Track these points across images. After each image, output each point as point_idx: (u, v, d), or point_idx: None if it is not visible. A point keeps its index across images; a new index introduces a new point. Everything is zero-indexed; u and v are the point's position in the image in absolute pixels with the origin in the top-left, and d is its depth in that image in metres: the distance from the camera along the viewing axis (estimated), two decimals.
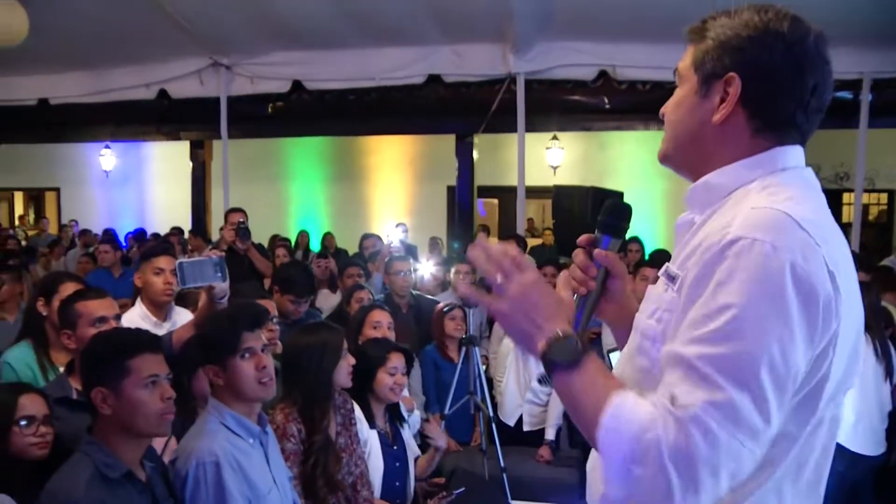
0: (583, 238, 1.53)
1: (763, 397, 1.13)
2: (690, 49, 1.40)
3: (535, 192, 8.35)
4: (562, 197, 8.22)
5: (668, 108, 1.45)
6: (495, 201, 12.21)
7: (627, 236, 7.99)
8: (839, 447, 4.08)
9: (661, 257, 6.82)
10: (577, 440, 4.93)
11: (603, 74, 7.92)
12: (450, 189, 11.06)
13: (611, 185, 9.25)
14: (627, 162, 11.00)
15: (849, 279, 1.25)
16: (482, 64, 7.85)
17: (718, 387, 1.12)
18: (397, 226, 10.28)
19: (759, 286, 1.15)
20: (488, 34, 7.51)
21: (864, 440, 4.15)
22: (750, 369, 1.13)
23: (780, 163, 1.33)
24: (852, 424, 4.10)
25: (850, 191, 10.87)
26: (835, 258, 1.21)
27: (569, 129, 9.66)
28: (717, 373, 1.13)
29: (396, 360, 3.57)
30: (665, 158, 1.47)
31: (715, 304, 1.17)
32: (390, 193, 12.10)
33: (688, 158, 1.42)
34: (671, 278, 1.32)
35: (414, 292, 5.66)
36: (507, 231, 12.02)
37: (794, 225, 1.19)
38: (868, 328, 4.14)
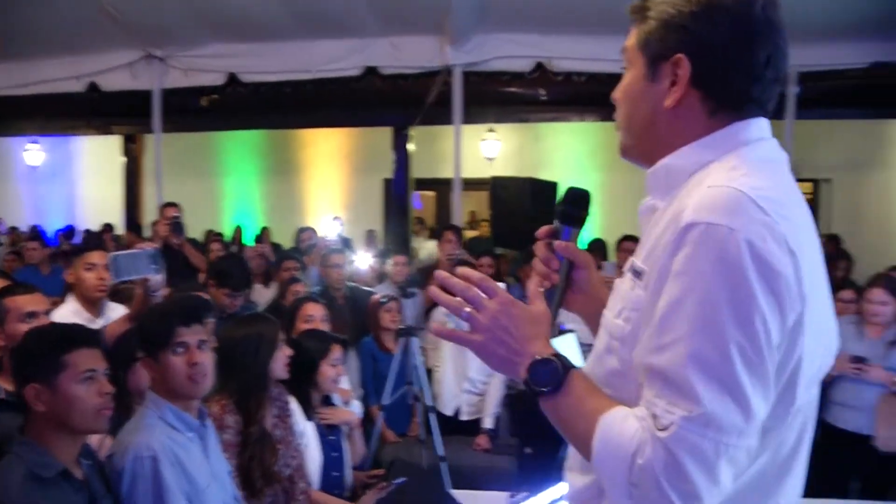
0: (542, 230, 1.49)
1: (742, 393, 1.09)
2: (634, 27, 1.33)
3: (471, 185, 8.39)
4: (499, 188, 8.30)
5: (618, 94, 1.38)
6: (432, 194, 12.22)
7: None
8: None
9: (597, 247, 6.94)
10: (516, 429, 5.00)
11: (539, 66, 7.98)
12: (386, 182, 11.04)
13: (546, 176, 9.31)
14: (562, 153, 11.12)
15: (813, 256, 1.21)
16: (419, 56, 7.85)
17: (694, 397, 1.09)
18: (334, 219, 10.25)
19: (719, 275, 1.10)
20: (426, 26, 7.51)
21: None
22: (723, 368, 1.09)
23: (742, 137, 1.26)
24: None
25: None
26: (797, 235, 1.15)
27: (505, 121, 9.73)
28: (689, 380, 1.10)
29: (337, 352, 3.59)
30: (625, 153, 1.41)
31: (676, 301, 1.13)
32: (326, 187, 12.03)
33: (647, 148, 1.34)
34: (637, 274, 1.25)
35: (350, 284, 5.66)
36: (443, 224, 12.06)
37: (751, 203, 1.12)
38: None
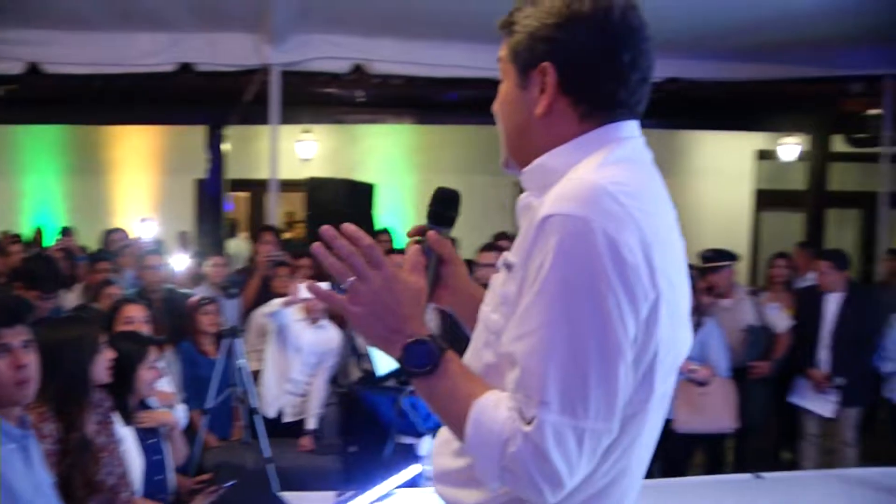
0: (413, 229, 1.52)
1: (596, 380, 1.14)
2: (504, 42, 1.39)
3: (287, 186, 8.30)
4: (316, 189, 8.29)
5: (496, 106, 1.44)
6: (246, 195, 11.99)
7: (377, 227, 8.15)
8: None
9: None
10: (341, 428, 5.04)
11: (358, 68, 8.03)
12: (198, 182, 10.74)
13: (362, 178, 9.39)
14: (378, 155, 11.21)
15: (672, 249, 1.26)
16: (237, 54, 7.66)
17: (547, 387, 1.14)
18: (142, 220, 9.86)
19: (573, 266, 1.14)
20: (244, 23, 7.36)
21: None
22: (581, 355, 1.14)
23: (610, 137, 1.32)
24: None
25: None
26: (654, 228, 1.20)
27: (323, 122, 9.71)
28: (544, 370, 1.14)
29: (155, 355, 3.51)
30: (506, 164, 1.45)
31: (534, 291, 1.17)
32: (134, 187, 11.51)
33: (524, 156, 1.37)
34: (508, 267, 1.30)
35: (168, 286, 5.49)
36: (256, 226, 11.87)
37: (607, 195, 1.17)
38: None
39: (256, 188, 11.45)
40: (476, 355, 1.38)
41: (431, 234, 1.49)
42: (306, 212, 8.37)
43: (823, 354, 5.50)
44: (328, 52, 7.89)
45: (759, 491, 4.68)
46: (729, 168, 11.88)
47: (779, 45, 7.89)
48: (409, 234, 1.52)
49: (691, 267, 6.11)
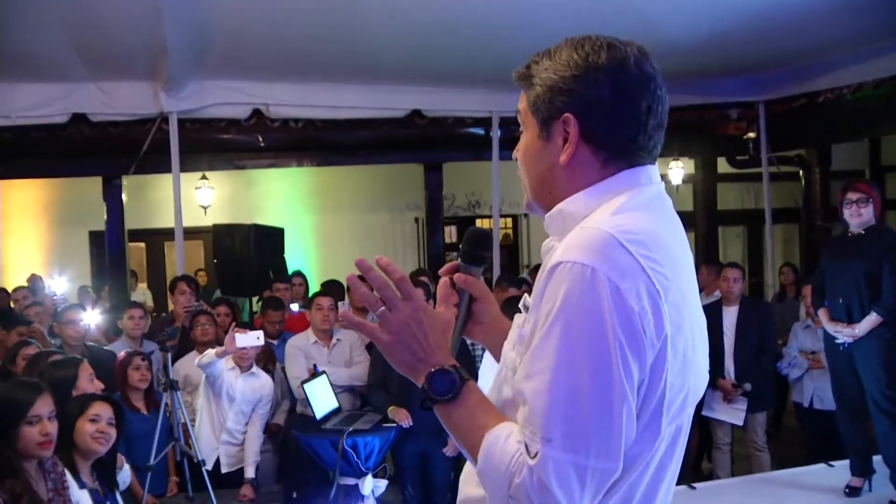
0: (445, 268, 1.57)
1: (601, 417, 1.19)
2: (523, 92, 1.45)
3: (187, 233, 8.17)
4: (222, 235, 8.18)
5: (518, 153, 1.48)
6: (142, 245, 11.70)
7: (290, 270, 8.10)
8: None
9: (334, 288, 7.03)
10: (282, 475, 4.97)
11: (257, 113, 8.00)
12: (92, 234, 10.42)
13: (261, 221, 9.33)
14: (276, 198, 11.16)
15: (683, 295, 1.30)
16: (132, 102, 7.52)
17: (556, 423, 1.19)
18: (30, 277, 9.49)
19: (579, 313, 1.19)
20: (138, 72, 7.24)
21: None
22: (584, 397, 1.19)
23: (629, 182, 1.36)
24: None
25: (482, 217, 12.02)
26: (665, 275, 1.25)
27: (223, 168, 9.58)
28: (551, 409, 1.19)
29: (99, 408, 3.40)
30: (529, 207, 1.49)
31: (544, 335, 1.22)
32: (23, 243, 11.06)
33: (549, 202, 1.42)
34: (526, 309, 1.36)
35: (88, 343, 5.31)
36: (156, 276, 11.57)
37: (617, 244, 1.22)
38: None
39: (152, 237, 11.22)
40: (496, 389, 1.44)
41: (459, 276, 1.55)
42: (214, 258, 8.23)
43: (728, 364, 5.81)
44: (226, 98, 7.85)
45: (694, 500, 4.89)
46: None
47: (663, 76, 8.29)
48: (442, 273, 1.57)
49: None
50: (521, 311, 1.44)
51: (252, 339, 4.70)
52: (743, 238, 12.88)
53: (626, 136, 1.36)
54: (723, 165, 10.94)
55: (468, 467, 1.47)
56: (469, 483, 1.46)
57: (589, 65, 1.36)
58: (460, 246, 1.58)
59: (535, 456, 1.19)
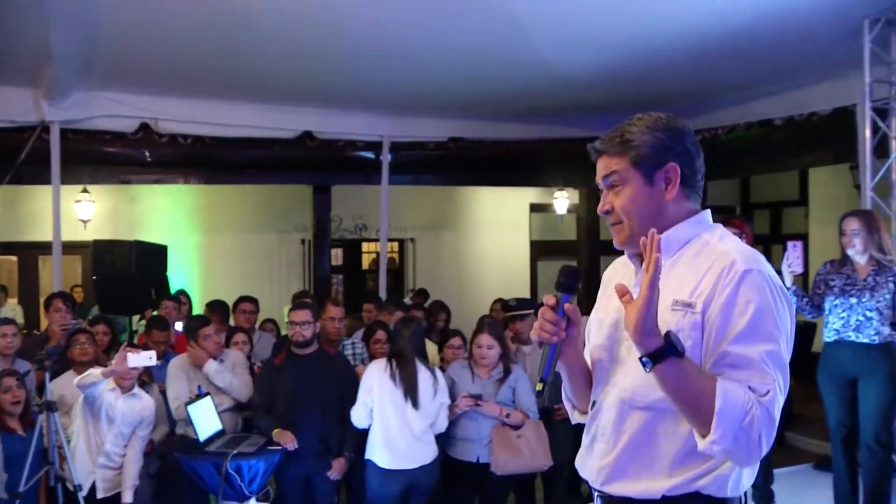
0: (550, 298, 1.91)
1: (787, 371, 1.74)
2: (617, 157, 1.92)
3: (64, 248, 7.88)
4: (102, 252, 7.90)
5: (620, 205, 1.93)
6: (14, 258, 11.19)
7: (174, 290, 7.92)
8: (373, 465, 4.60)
9: (220, 309, 6.92)
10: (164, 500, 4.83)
11: (144, 126, 7.83)
12: None
13: (144, 238, 9.07)
14: (160, 215, 10.87)
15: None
16: (10, 109, 7.26)
17: (773, 375, 1.69)
18: None
19: (768, 298, 1.74)
20: (18, 77, 6.98)
21: (395, 457, 4.75)
22: (783, 357, 1.73)
23: (709, 220, 1.97)
24: (381, 445, 4.75)
25: (368, 240, 12.04)
26: None
27: (106, 182, 9.30)
28: (770, 365, 1.70)
29: None
30: (630, 241, 1.94)
31: (752, 314, 1.72)
32: None
33: (652, 229, 1.79)
34: (687, 305, 1.80)
35: None
36: (28, 291, 11.08)
37: (762, 256, 1.84)
38: (400, 357, 4.80)
39: (25, 250, 10.76)
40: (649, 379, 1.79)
41: (569, 306, 1.91)
42: (93, 275, 7.95)
43: None
44: (113, 111, 7.70)
45: None
46: (508, 220, 12.59)
47: (550, 108, 8.59)
48: (548, 304, 1.91)
49: (491, 316, 6.47)
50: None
51: (144, 359, 4.57)
52: None
53: (698, 179, 1.97)
54: None
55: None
56: (654, 477, 1.86)
57: (676, 127, 1.94)
58: (559, 279, 1.94)
59: (767, 394, 1.67)
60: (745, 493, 1.91)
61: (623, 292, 1.75)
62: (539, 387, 1.93)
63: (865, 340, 4.66)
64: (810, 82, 7.29)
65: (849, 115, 6.68)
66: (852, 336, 4.69)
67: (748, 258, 1.79)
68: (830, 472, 4.92)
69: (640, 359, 1.70)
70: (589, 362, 2.06)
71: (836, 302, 4.72)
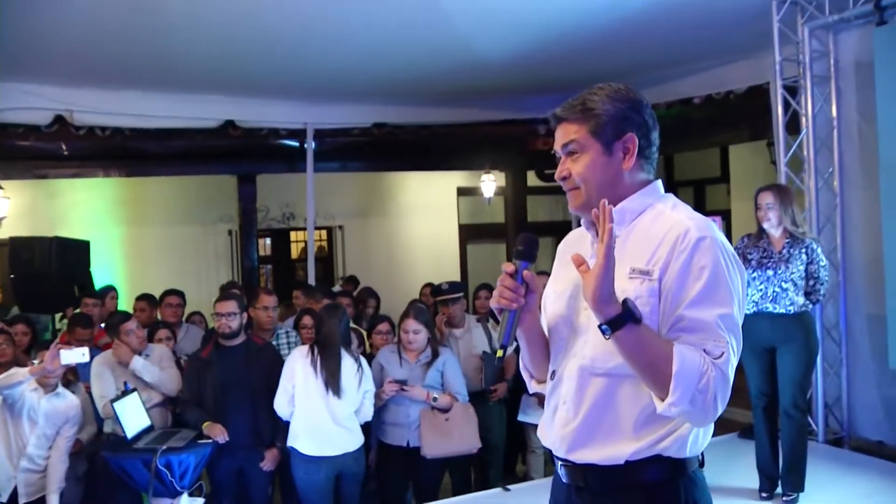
0: (510, 266, 1.94)
1: (740, 332, 1.81)
2: (577, 124, 1.96)
3: None
4: (20, 249, 7.72)
5: (578, 171, 1.96)
6: None
7: (98, 286, 7.76)
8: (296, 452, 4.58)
9: (148, 301, 6.80)
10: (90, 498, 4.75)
11: (59, 119, 7.63)
12: None
13: (65, 233, 8.86)
14: (81, 210, 10.59)
15: None
16: None
17: (727, 338, 1.76)
18: None
19: (721, 264, 1.81)
20: None
21: (317, 444, 4.75)
22: (736, 320, 1.80)
23: (661, 190, 2.02)
24: (303, 432, 4.76)
25: (297, 229, 11.95)
26: None
27: (21, 178, 9.01)
28: (724, 329, 1.77)
29: None
30: (585, 206, 1.97)
31: (706, 279, 1.79)
32: None
33: (613, 200, 1.88)
34: (645, 273, 1.86)
35: None
36: None
37: (714, 223, 1.89)
38: (322, 345, 4.79)
39: None
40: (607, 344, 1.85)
41: (528, 273, 1.94)
42: (10, 273, 7.75)
43: None
44: (25, 102, 7.48)
45: (510, 502, 5.09)
46: (436, 205, 12.62)
47: (473, 92, 8.62)
48: (507, 271, 1.94)
49: (421, 301, 6.49)
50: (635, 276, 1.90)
51: (77, 355, 4.46)
52: (552, 249, 13.48)
53: (653, 150, 2.02)
54: (532, 179, 11.44)
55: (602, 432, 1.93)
56: (615, 441, 1.91)
57: (635, 99, 2.00)
58: (517, 247, 1.97)
59: (721, 356, 1.74)
60: (702, 454, 1.99)
61: (580, 262, 1.80)
62: (499, 353, 1.98)
63: (782, 311, 4.79)
64: (727, 61, 7.46)
65: (763, 93, 6.87)
66: (770, 307, 4.81)
67: (701, 226, 1.85)
68: (754, 439, 5.05)
69: (600, 326, 1.76)
70: (547, 333, 2.10)
71: (755, 275, 4.85)
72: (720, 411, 1.76)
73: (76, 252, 7.95)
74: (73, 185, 10.32)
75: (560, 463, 2.04)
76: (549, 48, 6.87)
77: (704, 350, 1.75)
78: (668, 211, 1.95)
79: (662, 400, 1.75)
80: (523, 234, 2.00)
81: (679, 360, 1.72)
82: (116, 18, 5.78)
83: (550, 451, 2.07)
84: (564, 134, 1.99)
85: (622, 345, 1.77)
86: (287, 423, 4.87)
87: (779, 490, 4.92)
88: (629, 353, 1.78)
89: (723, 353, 1.75)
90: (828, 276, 4.91)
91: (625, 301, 1.76)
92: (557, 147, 2.02)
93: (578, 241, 2.12)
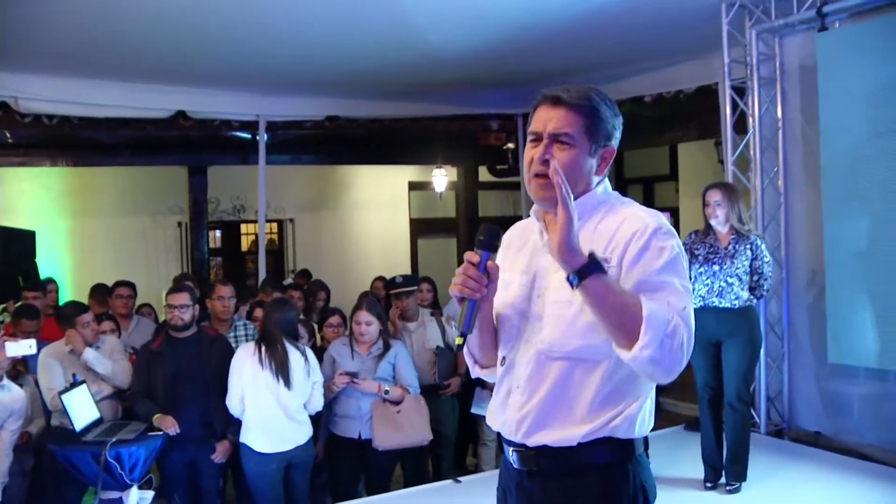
0: (473, 255, 1.97)
1: (691, 294, 1.95)
2: (577, 115, 2.00)
3: None
4: None
5: (562, 161, 1.98)
6: None
7: (43, 276, 7.63)
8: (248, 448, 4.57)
9: (101, 291, 6.69)
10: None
11: (4, 106, 7.47)
12: None
13: (9, 224, 8.72)
14: (26, 200, 10.39)
15: None
16: None
17: (688, 297, 1.89)
18: None
19: (676, 249, 1.94)
20: None
21: (270, 440, 4.76)
22: (687, 284, 1.92)
23: (610, 188, 2.12)
24: (256, 429, 4.77)
25: (247, 221, 11.88)
26: None
27: None
28: (683, 290, 1.89)
29: None
30: (552, 198, 1.91)
31: (667, 257, 1.91)
32: None
33: (575, 194, 1.95)
34: (603, 260, 1.89)
35: None
36: None
37: (663, 216, 2.00)
38: (268, 339, 4.80)
39: None
40: (574, 321, 1.96)
41: (492, 264, 1.99)
42: None
43: None
44: None
45: (461, 493, 5.14)
46: (387, 199, 12.63)
47: (427, 86, 8.65)
48: (470, 260, 1.97)
49: (373, 294, 6.50)
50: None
51: (24, 347, 4.41)
52: None
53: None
54: (484, 174, 11.51)
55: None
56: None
57: (619, 116, 2.09)
58: (479, 237, 2.00)
59: (684, 308, 1.85)
60: (646, 438, 2.06)
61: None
62: (458, 341, 1.98)
63: (727, 305, 4.91)
64: (677, 61, 7.58)
65: (711, 93, 7.01)
66: (716, 301, 4.93)
67: (655, 218, 1.98)
68: (699, 431, 5.17)
69: (567, 277, 1.83)
70: (495, 320, 2.13)
71: (701, 269, 4.96)
72: (685, 362, 1.84)
73: (21, 242, 7.83)
74: (17, 175, 10.12)
75: (512, 448, 2.07)
76: (504, 44, 6.91)
77: (667, 303, 1.85)
78: (620, 206, 2.06)
79: (629, 349, 1.80)
80: (485, 225, 2.04)
81: (647, 307, 1.80)
82: (64, 4, 5.69)
83: (501, 435, 2.11)
84: (559, 119, 2.00)
85: (590, 293, 1.82)
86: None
87: (722, 480, 5.04)
88: (597, 302, 1.82)
89: (685, 307, 1.87)
90: (771, 272, 5.06)
91: (591, 253, 1.83)
92: (543, 129, 2.02)
93: (526, 231, 2.19)
